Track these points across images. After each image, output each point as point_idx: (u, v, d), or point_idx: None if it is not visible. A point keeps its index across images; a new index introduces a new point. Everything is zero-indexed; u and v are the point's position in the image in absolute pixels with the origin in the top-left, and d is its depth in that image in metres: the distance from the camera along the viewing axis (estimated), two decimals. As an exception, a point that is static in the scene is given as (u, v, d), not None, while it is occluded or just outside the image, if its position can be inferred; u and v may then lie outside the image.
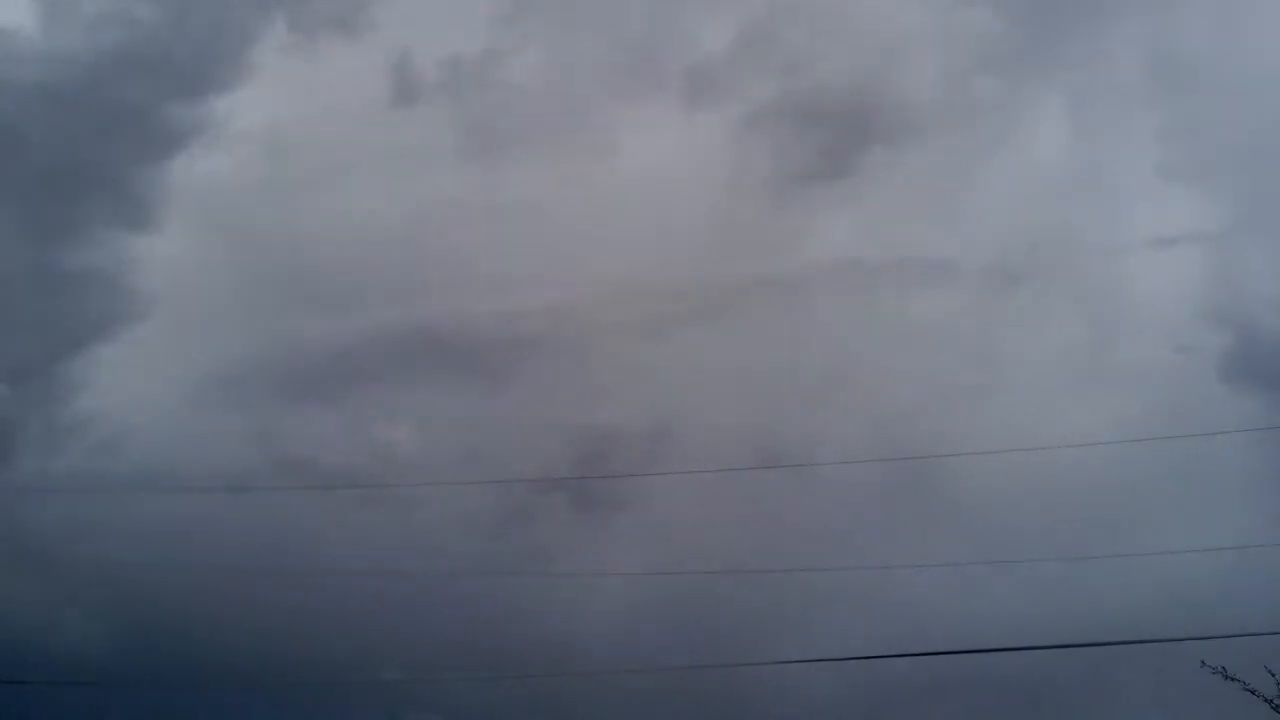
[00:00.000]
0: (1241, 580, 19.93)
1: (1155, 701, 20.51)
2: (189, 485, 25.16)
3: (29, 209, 30.31)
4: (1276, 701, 12.57)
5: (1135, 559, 21.06)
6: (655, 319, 32.95)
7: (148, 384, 28.78)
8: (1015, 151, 35.81)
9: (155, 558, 23.04)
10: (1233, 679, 12.62)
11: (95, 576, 23.04)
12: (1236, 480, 25.07)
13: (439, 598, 24.76)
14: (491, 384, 31.94)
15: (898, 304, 33.90)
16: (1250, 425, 25.06)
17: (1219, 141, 33.14)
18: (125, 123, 30.77)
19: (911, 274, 33.95)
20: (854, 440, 29.83)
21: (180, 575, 22.93)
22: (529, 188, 33.84)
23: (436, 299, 32.47)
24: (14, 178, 30.30)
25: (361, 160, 33.02)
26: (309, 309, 31.24)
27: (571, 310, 32.98)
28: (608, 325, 33.01)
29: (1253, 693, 12.57)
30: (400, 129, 33.43)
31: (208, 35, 32.46)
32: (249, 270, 31.55)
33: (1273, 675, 12.58)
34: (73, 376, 28.36)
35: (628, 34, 37.08)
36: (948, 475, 26.69)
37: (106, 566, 22.85)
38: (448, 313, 32.37)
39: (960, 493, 27.73)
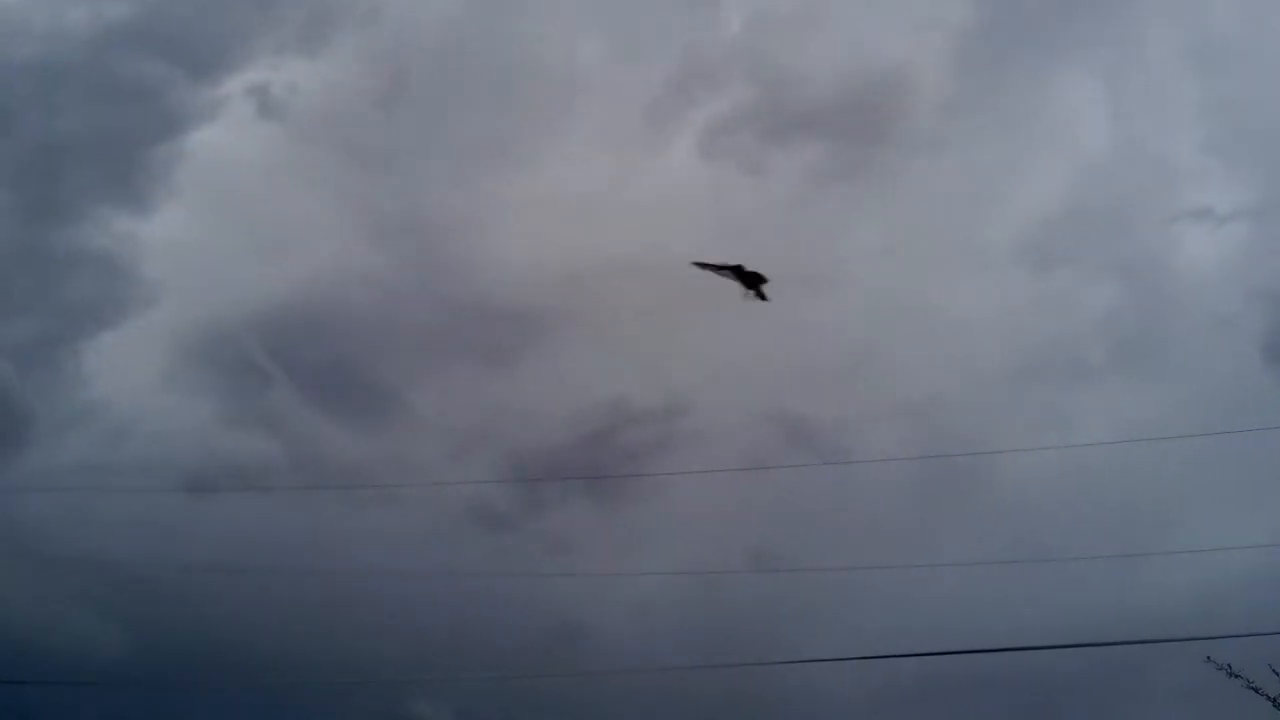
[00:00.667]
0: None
1: (1181, 700, 19.51)
2: (193, 480, 25.19)
3: (27, 190, 30.24)
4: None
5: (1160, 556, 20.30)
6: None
7: (152, 372, 28.79)
8: (1053, 132, 34.99)
9: (155, 555, 23.03)
10: (1236, 676, 11.91)
11: (93, 573, 23.05)
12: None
13: (447, 592, 24.41)
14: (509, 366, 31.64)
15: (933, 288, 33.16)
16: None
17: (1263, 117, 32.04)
18: (130, 102, 30.76)
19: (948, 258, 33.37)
20: (880, 427, 29.25)
21: (183, 572, 22.89)
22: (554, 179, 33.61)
23: (451, 282, 32.18)
24: (11, 158, 30.35)
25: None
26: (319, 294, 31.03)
27: (595, 292, 32.61)
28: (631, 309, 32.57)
29: (1256, 690, 11.83)
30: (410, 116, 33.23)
31: (215, 15, 32.44)
32: (255, 254, 31.45)
33: (1277, 674, 11.78)
34: (77, 364, 28.39)
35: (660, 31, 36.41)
36: (976, 465, 25.84)
37: (104, 564, 22.84)
38: (465, 294, 32.05)
39: (985, 485, 26.91)
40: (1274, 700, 11.76)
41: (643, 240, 31.55)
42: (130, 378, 28.35)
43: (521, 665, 23.97)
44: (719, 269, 19.50)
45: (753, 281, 19.60)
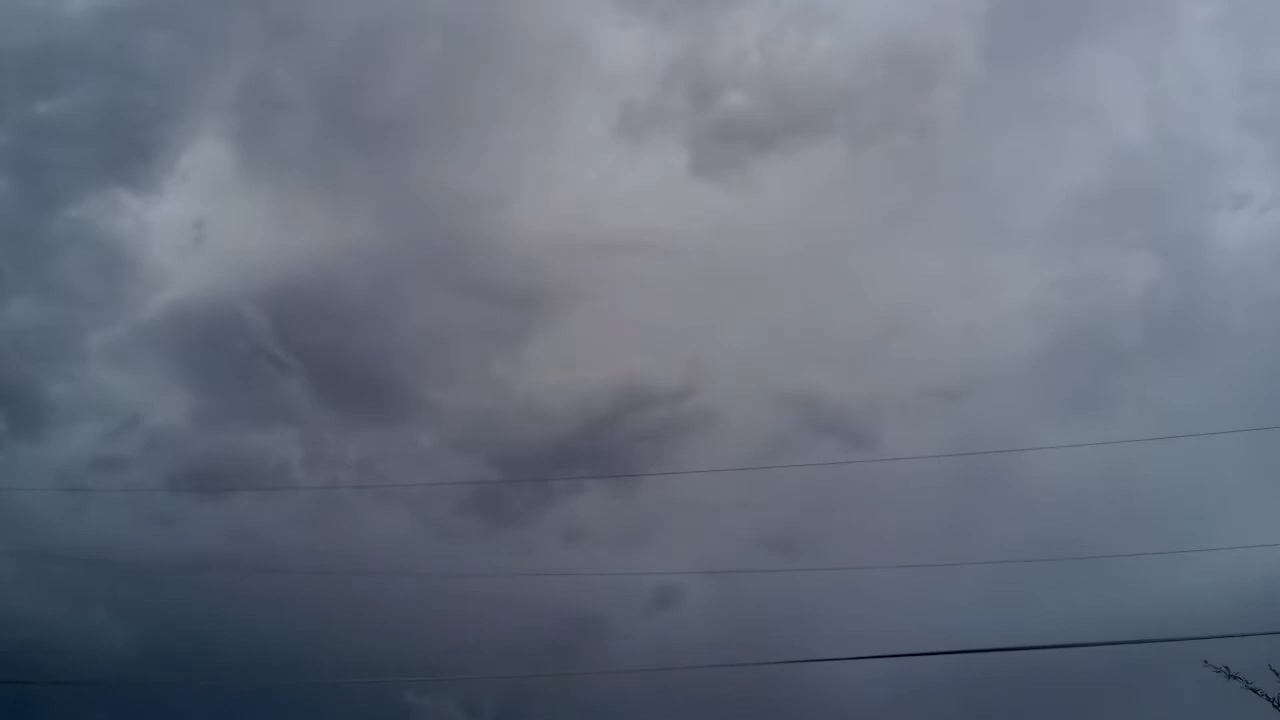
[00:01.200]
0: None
1: (1196, 699, 18.65)
2: (195, 476, 25.18)
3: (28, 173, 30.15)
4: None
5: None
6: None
7: (153, 366, 28.80)
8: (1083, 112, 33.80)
9: (156, 552, 23.00)
10: (1235, 677, 11.34)
11: (95, 571, 23.07)
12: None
13: (448, 588, 24.14)
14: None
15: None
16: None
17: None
18: (133, 84, 30.63)
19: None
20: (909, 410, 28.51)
21: (185, 569, 22.87)
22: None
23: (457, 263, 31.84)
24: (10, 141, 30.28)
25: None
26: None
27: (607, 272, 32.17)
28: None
29: (1255, 691, 11.22)
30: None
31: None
32: (256, 239, 31.25)
33: (1277, 674, 11.17)
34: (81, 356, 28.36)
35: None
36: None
37: (104, 561, 22.85)
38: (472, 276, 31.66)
39: (1015, 474, 26.04)
40: (1274, 701, 11.17)
41: (652, 221, 31.12)
42: (132, 370, 28.36)
43: (522, 662, 23.71)
44: None
45: None
